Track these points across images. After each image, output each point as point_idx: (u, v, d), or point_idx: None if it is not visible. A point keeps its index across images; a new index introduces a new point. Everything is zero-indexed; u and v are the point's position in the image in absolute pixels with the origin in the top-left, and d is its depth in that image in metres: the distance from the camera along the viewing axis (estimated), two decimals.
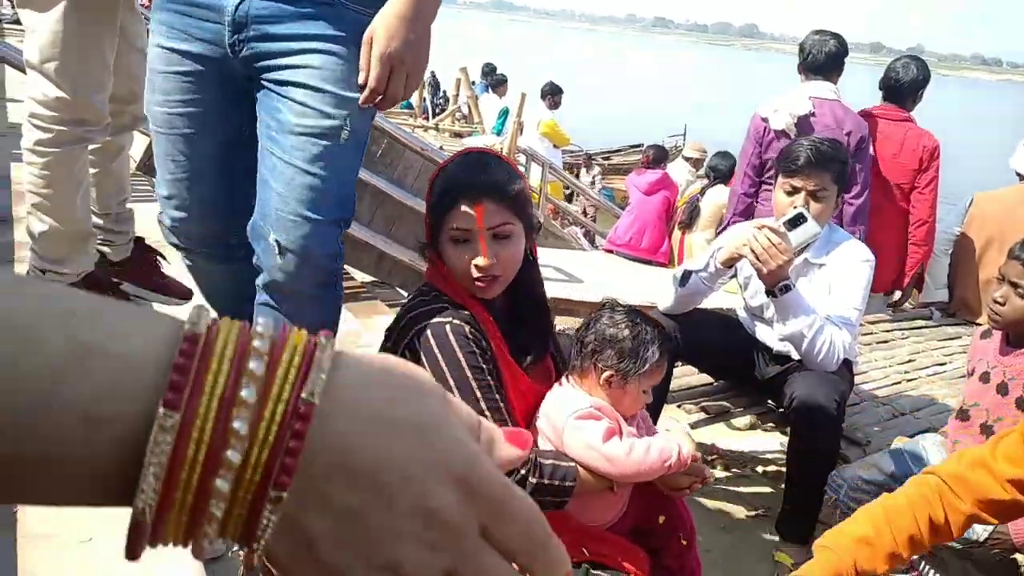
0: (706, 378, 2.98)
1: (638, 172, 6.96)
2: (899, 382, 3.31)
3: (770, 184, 3.39)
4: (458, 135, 10.96)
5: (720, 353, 2.73)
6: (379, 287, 4.65)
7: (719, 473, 3.11)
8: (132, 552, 0.36)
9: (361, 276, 4.64)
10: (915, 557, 2.15)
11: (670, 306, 2.66)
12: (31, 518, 1.53)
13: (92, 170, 2.18)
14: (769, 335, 2.67)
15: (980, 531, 2.12)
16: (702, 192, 6.30)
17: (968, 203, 4.22)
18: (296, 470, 0.34)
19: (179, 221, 1.77)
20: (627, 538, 1.69)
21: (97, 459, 0.34)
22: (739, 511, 2.86)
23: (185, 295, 2.38)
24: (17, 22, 7.50)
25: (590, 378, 1.63)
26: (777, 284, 2.37)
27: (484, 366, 1.48)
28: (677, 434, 1.69)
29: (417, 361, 1.47)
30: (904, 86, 3.92)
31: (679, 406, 2.90)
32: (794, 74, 3.87)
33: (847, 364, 2.59)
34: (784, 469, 2.67)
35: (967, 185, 4.48)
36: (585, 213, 9.50)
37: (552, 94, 9.42)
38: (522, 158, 8.53)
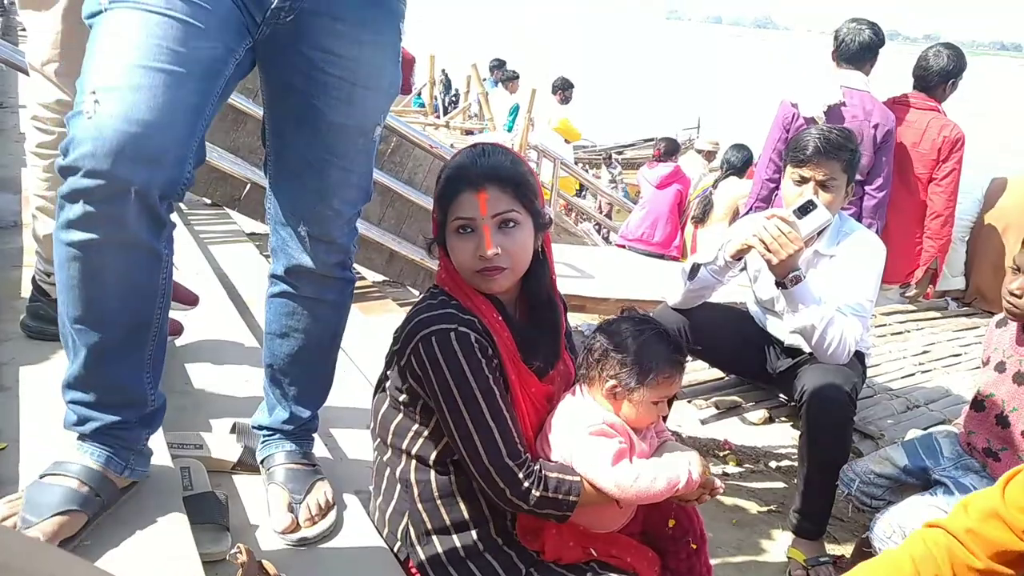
0: (717, 373, 2.96)
1: (650, 166, 6.93)
2: (913, 374, 3.27)
3: None
4: (469, 132, 10.95)
5: (730, 347, 2.71)
6: (390, 286, 4.65)
7: (731, 468, 3.09)
8: None
9: (372, 275, 4.64)
10: None
11: (679, 300, 2.64)
12: None
13: None
14: (780, 328, 2.64)
15: None
16: (715, 185, 6.25)
17: (985, 189, 4.16)
18: None
19: (133, 126, 1.23)
20: (636, 539, 1.68)
21: None
22: (751, 506, 2.84)
23: (192, 301, 2.38)
24: None
25: (596, 388, 1.60)
26: (787, 275, 2.34)
27: (489, 374, 1.46)
28: (686, 457, 1.61)
29: (422, 366, 1.46)
30: (931, 74, 3.85)
31: (690, 401, 2.88)
32: (807, 64, 3.83)
33: (859, 356, 2.56)
34: (796, 464, 2.64)
35: (985, 171, 4.41)
36: (600, 209, 9.47)
37: (563, 89, 9.39)
38: (533, 154, 8.50)
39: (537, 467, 1.49)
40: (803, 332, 2.42)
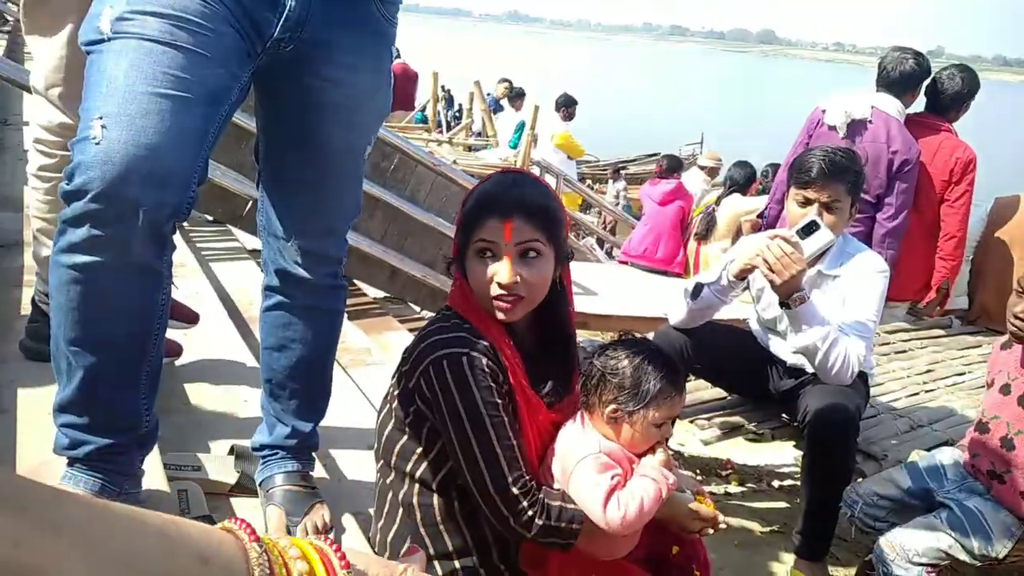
0: (719, 392, 2.94)
1: (652, 182, 6.94)
2: (917, 393, 3.25)
3: None
4: (472, 149, 10.98)
5: (733, 367, 2.70)
6: (391, 303, 4.65)
7: (734, 488, 3.07)
8: None
9: (373, 292, 4.64)
10: (931, 574, 2.11)
11: (682, 320, 2.63)
12: None
13: None
14: (783, 348, 2.63)
15: (1000, 548, 2.08)
16: (718, 202, 6.26)
17: (989, 208, 4.15)
18: None
19: (142, 150, 1.24)
20: (640, 567, 1.66)
21: None
22: (754, 527, 2.82)
23: (192, 320, 2.38)
24: None
25: (597, 414, 1.57)
26: (791, 295, 2.33)
27: (499, 401, 1.45)
28: (648, 473, 1.54)
29: (431, 389, 1.45)
30: (945, 96, 3.85)
31: (692, 421, 2.86)
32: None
33: (862, 376, 2.55)
34: (799, 483, 2.62)
35: (990, 188, 4.40)
36: (604, 225, 9.47)
37: (566, 106, 9.41)
38: (536, 170, 8.53)
39: (541, 495, 1.47)
40: (806, 352, 2.41)
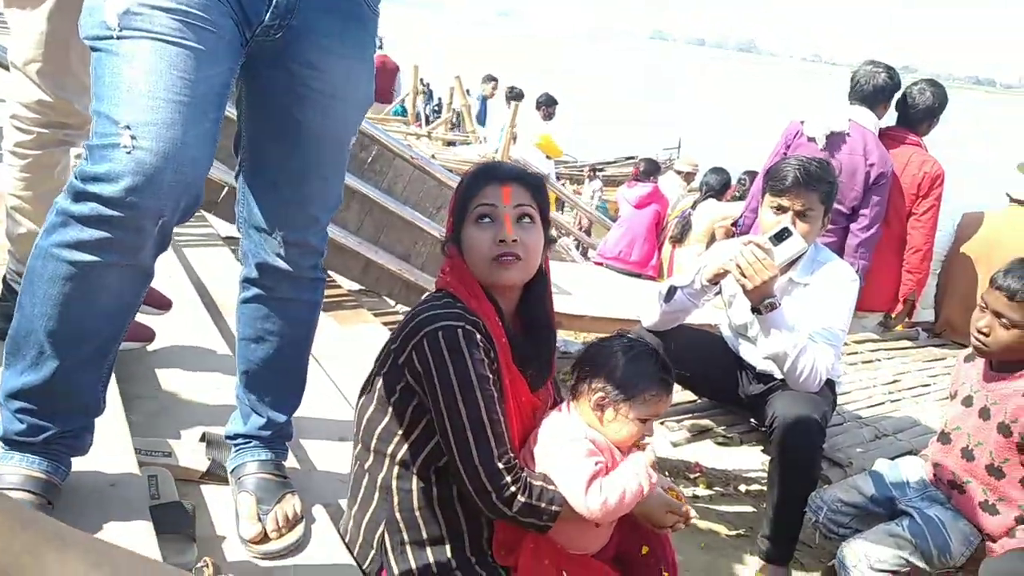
0: (689, 395, 2.97)
1: (629, 185, 6.97)
2: (883, 403, 3.30)
3: None
4: (451, 144, 10.95)
5: (704, 371, 2.72)
6: (365, 295, 4.62)
7: (701, 491, 3.10)
8: None
9: (347, 284, 4.61)
10: None
11: (655, 322, 2.65)
12: None
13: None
14: (753, 353, 2.66)
15: (958, 557, 2.12)
16: (694, 206, 6.30)
17: (956, 223, 4.23)
18: None
19: (172, 163, 1.27)
20: (609, 565, 1.68)
21: None
22: (720, 530, 2.85)
23: (165, 306, 2.35)
24: None
25: (584, 401, 1.61)
26: (763, 301, 2.37)
27: (490, 375, 1.48)
28: (633, 464, 1.59)
29: (424, 361, 1.47)
30: (917, 111, 3.92)
31: (662, 423, 2.88)
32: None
33: (830, 384, 2.59)
34: (766, 488, 2.66)
35: (960, 204, 4.49)
36: (579, 225, 9.49)
37: (547, 105, 9.43)
38: None
39: (524, 474, 1.50)
40: (776, 359, 2.44)
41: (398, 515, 1.57)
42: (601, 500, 1.50)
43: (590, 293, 4.78)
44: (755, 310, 2.41)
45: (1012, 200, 4.08)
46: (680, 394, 2.98)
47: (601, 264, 6.47)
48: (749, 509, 3.01)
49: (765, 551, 2.52)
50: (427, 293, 1.66)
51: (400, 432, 1.56)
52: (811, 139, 3.71)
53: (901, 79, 3.88)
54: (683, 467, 3.27)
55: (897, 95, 3.88)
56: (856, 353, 3.83)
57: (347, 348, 3.23)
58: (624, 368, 1.57)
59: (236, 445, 1.74)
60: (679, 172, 8.42)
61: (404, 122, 11.34)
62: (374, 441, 1.59)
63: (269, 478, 1.68)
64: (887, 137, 3.85)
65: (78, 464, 1.50)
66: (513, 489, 1.46)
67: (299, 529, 1.64)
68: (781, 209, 2.51)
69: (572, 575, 1.60)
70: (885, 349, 3.97)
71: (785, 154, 3.71)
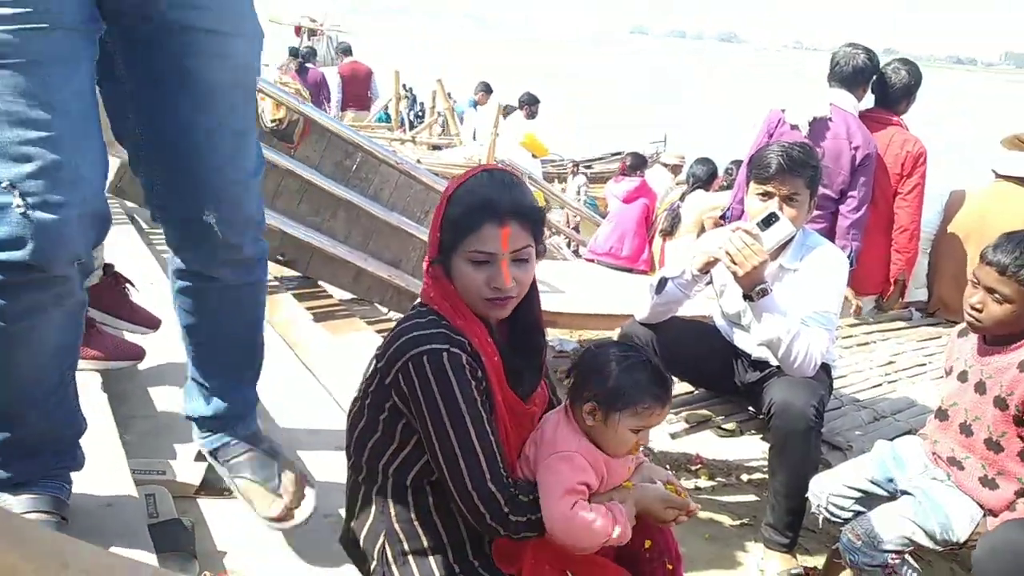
0: (686, 387, 2.97)
1: (616, 180, 6.98)
2: (879, 384, 3.31)
3: None
4: (436, 147, 10.94)
5: (699, 361, 2.73)
6: (357, 304, 4.62)
7: (703, 483, 3.10)
8: None
9: (339, 293, 4.60)
10: (896, 560, 2.15)
11: (647, 315, 2.65)
12: None
13: None
14: (747, 341, 2.66)
15: (960, 533, 2.12)
16: (682, 198, 6.31)
17: (944, 201, 4.24)
18: None
19: (73, 209, 1.17)
20: (612, 561, 1.67)
21: None
22: (724, 520, 2.85)
23: (154, 325, 2.34)
24: None
25: (578, 407, 1.59)
26: (754, 288, 2.37)
27: (478, 397, 1.46)
28: (623, 507, 1.56)
29: (410, 385, 1.45)
30: (895, 90, 3.94)
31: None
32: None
33: (825, 368, 2.59)
34: (767, 476, 2.65)
35: (948, 182, 4.50)
36: (568, 223, 9.50)
37: (529, 104, 9.44)
38: None
39: (516, 491, 1.48)
40: (770, 345, 2.45)
41: (397, 525, 1.56)
42: (567, 522, 1.48)
43: (582, 290, 4.79)
44: (747, 297, 2.41)
45: (998, 176, 4.10)
46: (677, 386, 2.98)
47: (592, 261, 6.46)
48: (752, 498, 3.01)
49: (769, 538, 2.52)
50: (412, 306, 1.63)
51: (392, 448, 1.55)
52: (794, 127, 3.72)
53: (880, 61, 3.90)
54: (684, 459, 3.27)
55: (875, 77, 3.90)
56: (851, 336, 3.83)
57: (341, 358, 3.23)
58: (617, 377, 1.54)
59: (207, 427, 1.69)
60: (666, 165, 8.43)
61: (388, 128, 11.33)
62: (366, 456, 1.58)
63: (259, 453, 1.64)
64: (867, 119, 3.87)
65: (75, 487, 1.50)
66: (506, 510, 1.46)
67: (310, 492, 1.63)
68: (767, 196, 2.51)
69: (576, 572, 1.60)
70: (880, 331, 3.98)
71: (768, 143, 3.72)
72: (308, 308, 3.90)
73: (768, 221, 2.41)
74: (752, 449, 3.27)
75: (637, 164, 7.09)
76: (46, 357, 1.32)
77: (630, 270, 6.16)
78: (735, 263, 2.34)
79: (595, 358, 1.60)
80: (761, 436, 2.81)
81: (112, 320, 2.23)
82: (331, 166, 4.48)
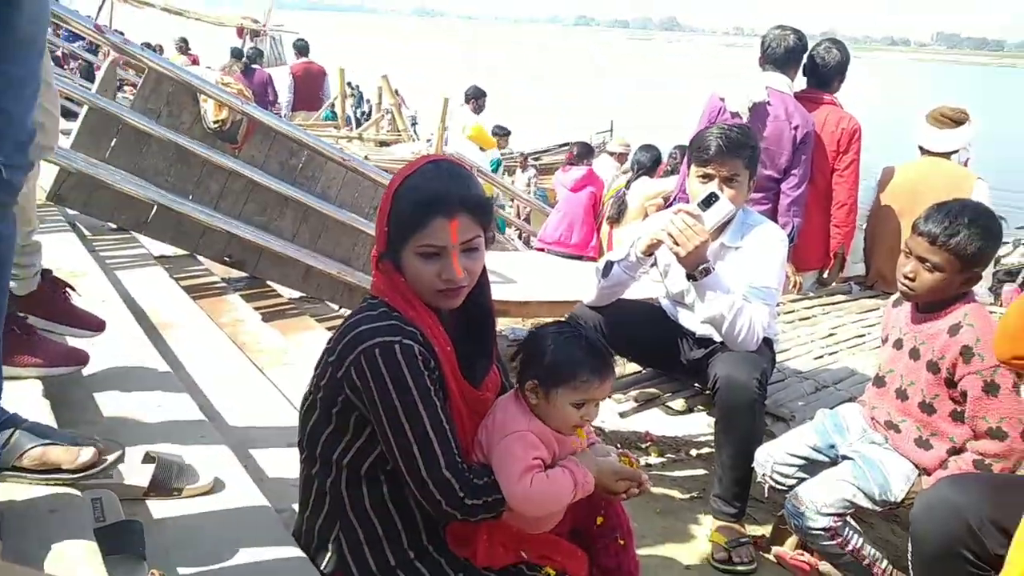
0: (634, 367, 3.02)
1: (564, 170, 7.02)
2: (821, 356, 3.40)
3: None
4: (384, 144, 10.87)
5: (645, 341, 2.78)
6: (307, 303, 4.59)
7: (653, 459, 3.16)
8: None
9: (288, 292, 4.57)
10: (838, 523, 2.22)
11: (594, 298, 2.70)
12: None
13: None
14: (691, 320, 2.72)
15: (898, 493, 2.20)
16: (627, 185, 6.37)
17: (878, 177, 4.37)
18: None
19: None
20: (565, 539, 1.71)
21: None
22: (674, 494, 2.91)
23: (97, 327, 2.31)
24: None
25: (524, 390, 1.62)
26: (697, 267, 2.43)
27: (432, 387, 1.48)
28: (583, 468, 1.60)
29: (363, 377, 1.46)
30: (829, 69, 4.04)
31: (609, 396, 2.93)
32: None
33: (768, 342, 2.66)
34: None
35: (882, 160, 4.63)
36: (519, 214, 9.53)
37: (476, 98, 9.42)
38: None
39: (470, 475, 1.50)
40: (713, 322, 2.51)
41: (352, 515, 1.57)
42: (530, 498, 1.51)
43: (533, 279, 4.82)
44: (690, 276, 2.46)
45: (924, 152, 4.23)
46: (625, 366, 3.04)
47: (542, 250, 6.51)
48: (701, 472, 3.08)
49: (717, 510, 2.58)
50: (363, 298, 1.63)
51: (345, 440, 1.56)
52: (735, 115, 3.78)
53: (810, 43, 3.99)
54: (634, 437, 3.33)
55: (805, 57, 3.99)
56: (793, 311, 3.93)
57: (292, 356, 3.22)
58: (553, 354, 1.58)
59: None
60: (612, 153, 8.50)
61: (335, 126, 11.22)
62: (320, 448, 1.58)
63: (26, 430, 1.55)
64: (802, 99, 3.96)
65: (17, 493, 1.48)
66: (462, 495, 1.47)
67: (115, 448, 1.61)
68: (708, 178, 2.57)
69: (531, 554, 1.62)
70: (821, 305, 4.09)
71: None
72: (257, 308, 3.87)
73: (708, 201, 2.47)
74: (700, 425, 3.35)
75: (584, 153, 7.15)
76: None
77: (579, 257, 6.22)
78: (677, 244, 2.39)
79: (534, 339, 1.64)
80: (708, 412, 2.88)
81: (53, 326, 2.20)
82: (276, 165, 4.44)
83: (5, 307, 1.43)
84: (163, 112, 4.08)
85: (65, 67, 10.63)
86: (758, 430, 2.53)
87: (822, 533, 2.24)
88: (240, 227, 4.19)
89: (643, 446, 3.26)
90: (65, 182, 3.86)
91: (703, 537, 2.63)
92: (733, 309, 2.45)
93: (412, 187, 1.51)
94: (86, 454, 1.54)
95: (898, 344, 2.32)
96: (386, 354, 1.45)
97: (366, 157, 7.18)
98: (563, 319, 1.77)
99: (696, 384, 2.88)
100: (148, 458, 1.79)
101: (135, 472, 1.73)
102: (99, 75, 4.58)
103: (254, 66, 10.58)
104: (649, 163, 6.21)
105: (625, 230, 6.17)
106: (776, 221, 3.59)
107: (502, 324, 4.74)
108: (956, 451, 2.17)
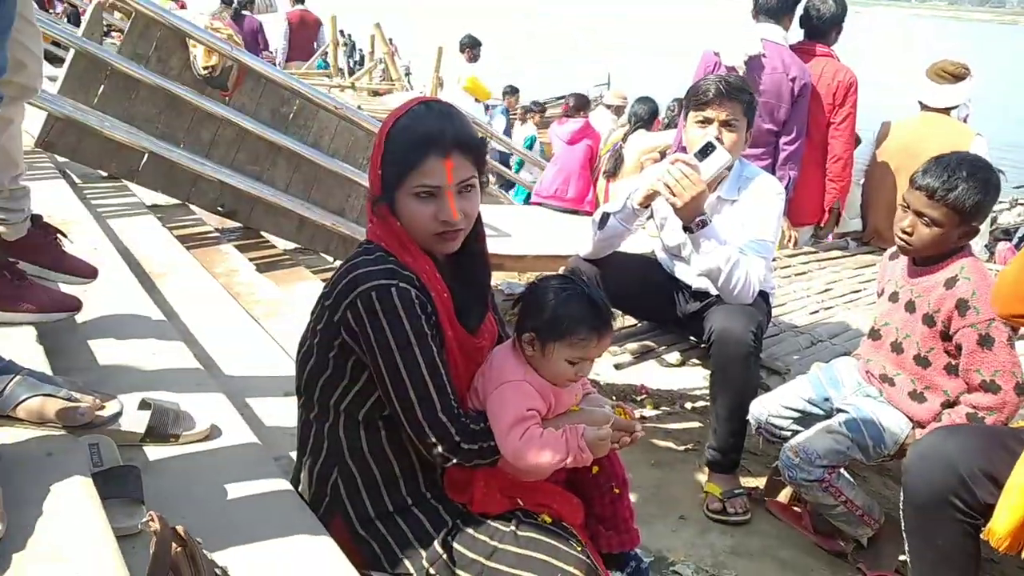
0: (630, 320, 3.02)
1: (560, 122, 6.95)
2: (817, 311, 3.41)
3: None
4: (376, 94, 10.74)
5: (642, 294, 2.77)
6: (302, 253, 4.57)
7: (648, 412, 3.18)
8: None
9: (282, 243, 4.54)
10: (832, 475, 2.24)
11: (590, 251, 2.68)
12: None
13: None
14: (687, 273, 2.71)
15: (891, 445, 2.22)
16: (624, 139, 6.32)
17: (876, 133, 4.33)
18: None
19: None
20: (561, 487, 1.72)
21: None
22: (669, 446, 2.93)
23: (90, 274, 2.28)
24: None
25: (521, 341, 1.61)
26: (693, 219, 2.41)
27: (428, 331, 1.47)
28: (578, 430, 1.56)
29: (359, 321, 1.45)
30: (825, 22, 3.98)
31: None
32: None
33: (764, 295, 2.66)
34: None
35: (875, 112, 4.60)
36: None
37: (471, 47, 9.29)
38: None
39: (467, 420, 1.51)
40: (709, 275, 2.50)
41: (349, 460, 1.58)
42: (519, 449, 1.51)
43: (529, 233, 4.79)
44: (687, 229, 2.45)
45: (924, 107, 4.19)
46: (621, 319, 3.03)
47: (539, 203, 6.47)
48: (696, 425, 3.11)
49: (712, 461, 2.60)
50: (359, 244, 1.61)
51: (343, 385, 1.55)
52: (731, 68, 3.73)
53: None
54: (629, 390, 3.35)
55: (800, 7, 3.92)
56: (789, 267, 3.93)
57: (287, 307, 3.21)
58: (554, 309, 1.57)
59: None
60: (609, 106, 8.41)
61: (327, 75, 11.06)
62: (317, 393, 1.58)
63: (25, 375, 1.56)
64: (798, 51, 3.92)
65: (13, 436, 1.48)
66: (458, 439, 1.48)
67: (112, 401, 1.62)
68: (706, 121, 2.54)
69: (526, 501, 1.63)
70: (817, 261, 4.09)
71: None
72: (251, 259, 3.84)
73: (705, 151, 2.43)
74: (695, 378, 3.37)
75: (580, 105, 7.07)
76: None
77: (576, 212, 6.18)
78: (674, 194, 2.37)
79: (536, 290, 1.62)
80: (704, 365, 2.88)
81: (45, 272, 2.17)
82: (268, 113, 4.38)
83: None
84: (152, 58, 4.00)
85: (51, 11, 10.40)
86: (753, 383, 2.54)
87: (815, 484, 2.27)
88: (232, 176, 4.14)
89: (638, 399, 3.28)
90: (53, 128, 3.79)
91: (698, 488, 2.65)
92: (729, 262, 2.44)
93: (404, 127, 1.50)
94: (83, 412, 1.53)
95: (894, 297, 2.31)
96: (383, 297, 1.44)
97: (359, 107, 7.09)
98: (565, 273, 1.74)
99: (692, 337, 2.88)
100: (144, 405, 1.78)
101: (131, 419, 1.73)
102: (85, 19, 4.47)
103: (244, 12, 10.38)
104: (646, 116, 6.15)
105: (621, 184, 6.13)
106: (775, 175, 3.57)
107: (498, 278, 4.73)
108: (950, 404, 2.18)
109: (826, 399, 2.42)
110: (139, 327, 2.28)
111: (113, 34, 7.80)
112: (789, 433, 2.42)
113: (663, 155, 4.85)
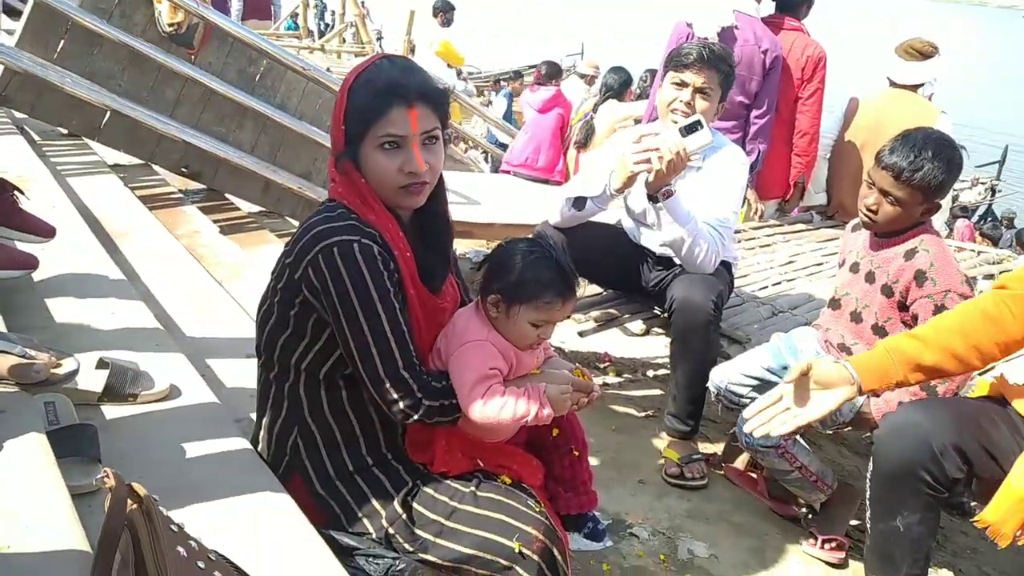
0: (595, 288, 3.04)
1: (532, 89, 6.91)
2: (779, 283, 3.45)
3: None
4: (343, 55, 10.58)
5: (606, 263, 2.78)
6: (267, 217, 4.52)
7: (611, 379, 3.21)
8: None
9: (247, 206, 4.49)
10: (787, 441, 2.29)
11: (559, 222, 2.68)
12: None
13: None
14: (652, 240, 2.73)
15: (846, 412, 2.26)
16: (595, 109, 6.29)
17: (844, 109, 4.36)
18: None
19: None
20: (521, 449, 1.73)
21: None
22: (630, 412, 2.97)
23: (48, 233, 2.24)
24: None
25: (486, 302, 1.62)
26: (660, 189, 2.42)
27: (391, 288, 1.47)
28: (539, 388, 1.58)
29: (320, 277, 1.44)
30: None
31: (569, 316, 2.95)
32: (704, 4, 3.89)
33: (726, 265, 2.69)
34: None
35: (844, 88, 4.63)
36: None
37: (444, 11, 9.17)
38: None
39: (428, 378, 1.51)
40: (672, 245, 2.52)
41: (310, 419, 1.58)
42: (480, 404, 1.52)
43: (498, 201, 4.78)
44: (652, 199, 2.45)
45: (892, 84, 4.23)
46: (586, 287, 3.05)
47: (508, 172, 6.44)
48: (657, 392, 3.14)
49: (671, 427, 2.64)
50: (321, 202, 1.60)
51: (304, 343, 1.55)
52: (703, 39, 3.72)
53: None
54: (593, 357, 3.38)
55: None
56: (754, 239, 3.97)
57: (250, 270, 3.18)
58: (520, 272, 1.57)
59: None
60: (582, 76, 8.36)
61: (296, 36, 10.87)
62: (277, 352, 1.58)
63: None
64: (769, 24, 3.93)
65: None
66: (419, 395, 1.48)
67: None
68: (682, 85, 2.54)
69: (487, 462, 1.65)
70: (781, 233, 4.13)
71: None
72: (215, 221, 3.80)
73: (691, 128, 2.43)
74: (657, 347, 3.40)
75: (552, 73, 7.03)
76: None
77: (546, 181, 6.17)
78: (668, 171, 2.36)
79: (503, 252, 1.63)
80: (666, 334, 2.91)
81: (2, 230, 2.13)
82: (235, 73, 4.30)
83: None
84: (115, 12, 3.90)
85: None
86: (713, 351, 2.57)
87: (772, 451, 2.31)
88: (197, 136, 4.07)
89: (602, 366, 3.30)
90: (11, 83, 3.70)
91: (656, 453, 2.69)
92: (692, 232, 2.46)
93: (367, 80, 1.48)
94: (39, 369, 1.51)
95: (854, 268, 2.35)
96: (344, 253, 1.43)
97: (328, 69, 6.98)
98: (533, 237, 1.74)
99: (656, 308, 2.90)
100: (102, 364, 1.77)
101: (88, 377, 1.71)
102: None
103: None
104: (618, 86, 6.11)
105: (592, 155, 6.12)
106: (745, 149, 3.59)
107: (465, 246, 4.72)
108: None
109: (784, 367, 2.45)
110: (98, 286, 2.25)
111: None
112: (748, 401, 2.44)
113: (637, 123, 4.84)
